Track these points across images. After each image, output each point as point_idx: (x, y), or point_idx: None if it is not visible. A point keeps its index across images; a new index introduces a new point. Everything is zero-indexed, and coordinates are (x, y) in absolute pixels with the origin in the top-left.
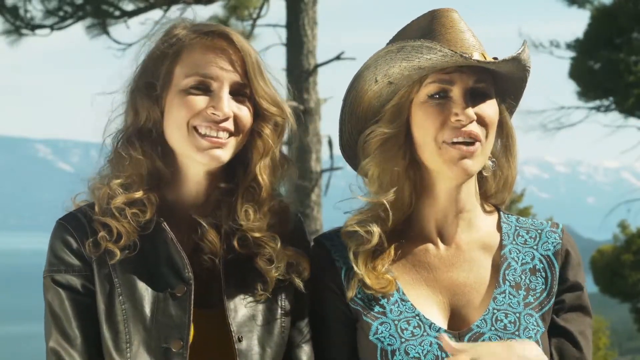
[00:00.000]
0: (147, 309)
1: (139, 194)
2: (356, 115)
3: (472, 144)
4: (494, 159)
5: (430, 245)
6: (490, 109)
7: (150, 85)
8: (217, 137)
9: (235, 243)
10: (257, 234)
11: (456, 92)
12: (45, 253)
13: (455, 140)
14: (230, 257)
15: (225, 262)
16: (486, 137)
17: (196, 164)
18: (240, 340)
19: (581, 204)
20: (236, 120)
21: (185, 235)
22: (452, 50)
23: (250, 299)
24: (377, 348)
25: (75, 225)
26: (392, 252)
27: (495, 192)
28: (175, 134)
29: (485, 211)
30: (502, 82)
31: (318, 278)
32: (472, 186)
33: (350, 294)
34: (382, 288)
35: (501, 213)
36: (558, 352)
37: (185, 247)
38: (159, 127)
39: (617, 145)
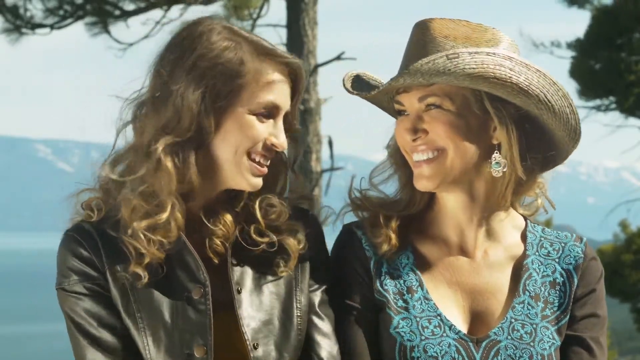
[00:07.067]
0: (167, 315)
1: (164, 217)
2: None
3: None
4: (502, 162)
5: (455, 249)
6: (439, 121)
7: (212, 94)
8: (263, 165)
9: (251, 233)
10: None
11: (409, 110)
12: (45, 253)
13: (415, 159)
14: (240, 255)
15: (237, 261)
16: (445, 146)
17: (234, 183)
18: (255, 347)
19: (581, 204)
20: None
21: (197, 232)
22: (373, 82)
23: (265, 301)
24: (396, 342)
25: (84, 235)
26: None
27: (501, 195)
28: (228, 155)
29: (511, 219)
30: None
31: (347, 264)
32: (488, 196)
33: (378, 284)
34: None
35: (528, 222)
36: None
37: (196, 246)
38: (206, 137)
39: (617, 145)
